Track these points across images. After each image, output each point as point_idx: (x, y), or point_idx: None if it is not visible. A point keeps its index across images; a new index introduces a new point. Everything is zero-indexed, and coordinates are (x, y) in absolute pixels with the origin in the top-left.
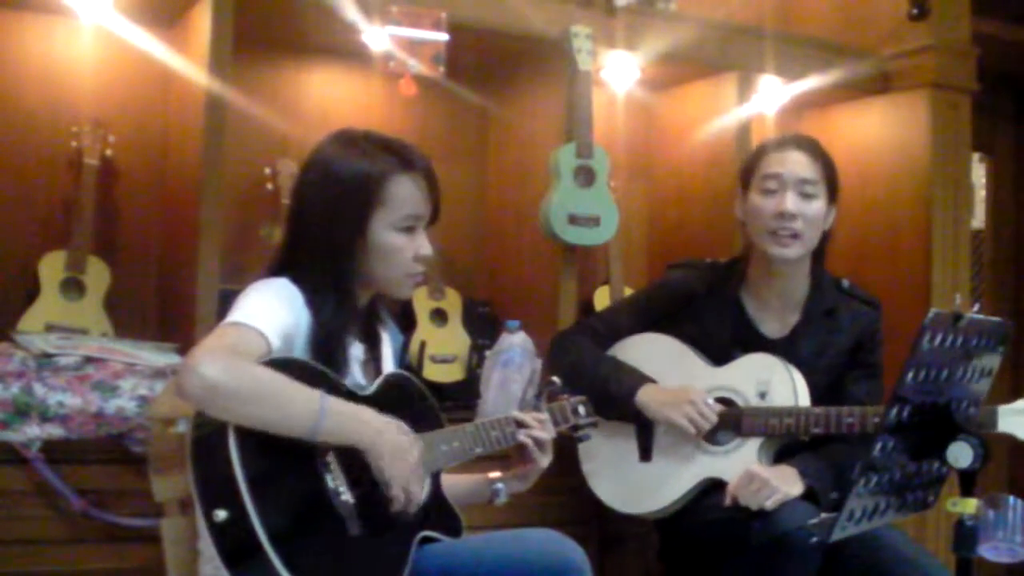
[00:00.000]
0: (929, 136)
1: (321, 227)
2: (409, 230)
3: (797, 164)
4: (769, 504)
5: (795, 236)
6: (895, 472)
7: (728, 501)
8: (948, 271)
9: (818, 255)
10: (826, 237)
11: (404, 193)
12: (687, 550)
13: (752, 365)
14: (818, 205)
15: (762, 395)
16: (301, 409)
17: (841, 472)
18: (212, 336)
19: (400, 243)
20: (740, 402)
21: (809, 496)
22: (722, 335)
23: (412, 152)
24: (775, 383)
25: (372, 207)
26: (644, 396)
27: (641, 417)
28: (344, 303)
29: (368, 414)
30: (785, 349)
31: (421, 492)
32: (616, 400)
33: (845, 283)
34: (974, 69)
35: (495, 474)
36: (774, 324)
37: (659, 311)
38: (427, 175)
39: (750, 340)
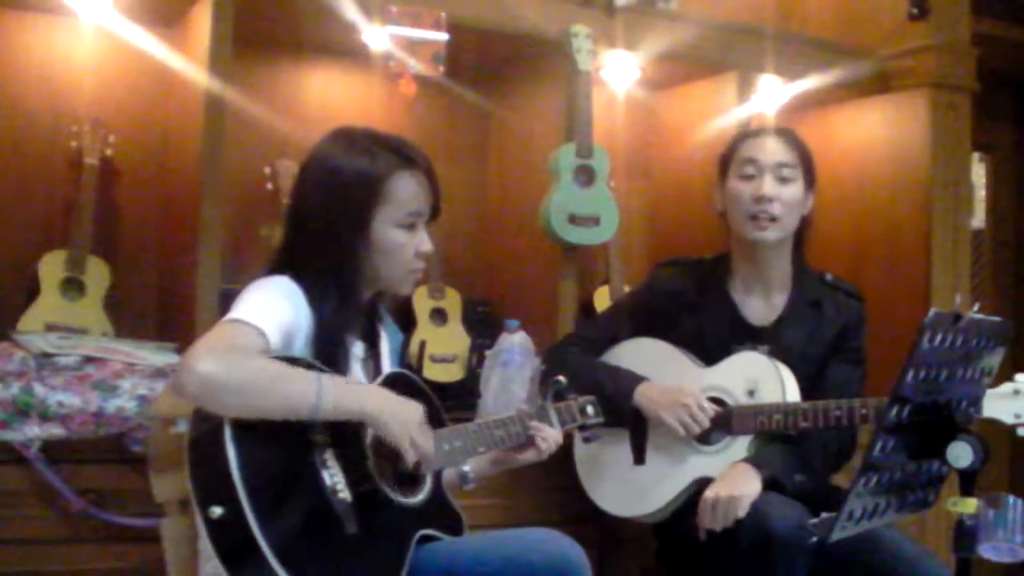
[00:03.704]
0: (929, 136)
1: (323, 225)
2: (411, 227)
3: (773, 150)
4: (740, 514)
5: (773, 219)
6: (895, 472)
7: (702, 536)
8: (948, 271)
9: (798, 242)
10: (805, 223)
11: (406, 190)
12: (684, 551)
13: (740, 364)
14: (795, 189)
15: (751, 393)
16: (299, 392)
17: (805, 455)
18: (209, 333)
19: (402, 240)
20: (730, 401)
21: (775, 485)
22: (718, 329)
23: (412, 149)
24: (763, 380)
25: (374, 204)
26: (641, 395)
27: (636, 419)
28: (346, 301)
29: (364, 386)
30: (772, 338)
31: (430, 446)
32: (613, 401)
33: (828, 276)
34: (974, 69)
35: None
36: (760, 309)
37: (649, 312)
38: (427, 172)
39: (739, 331)
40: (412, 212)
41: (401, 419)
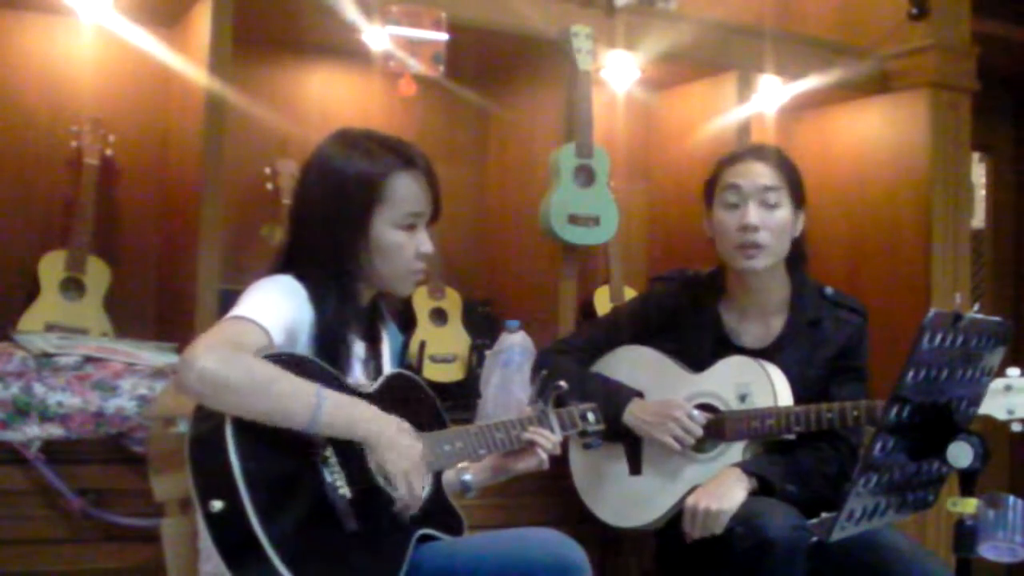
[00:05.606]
0: (929, 136)
1: (323, 226)
2: (410, 228)
3: (757, 174)
4: (717, 531)
5: (760, 247)
6: (895, 472)
7: (688, 540)
8: (948, 271)
9: (795, 261)
10: (799, 243)
11: (405, 191)
12: (682, 556)
13: (731, 369)
14: (782, 214)
15: (742, 398)
16: (298, 401)
17: (799, 467)
18: (212, 330)
19: (401, 240)
20: (721, 407)
21: (765, 489)
22: (701, 350)
23: (412, 149)
24: (754, 385)
25: (374, 205)
26: (630, 415)
27: (629, 434)
28: (346, 301)
29: (366, 408)
30: (768, 359)
31: (422, 488)
32: (604, 418)
33: (829, 290)
34: (974, 69)
35: (463, 464)
36: (757, 332)
37: (641, 326)
38: (427, 172)
39: (729, 353)
40: (412, 213)
41: (400, 451)
